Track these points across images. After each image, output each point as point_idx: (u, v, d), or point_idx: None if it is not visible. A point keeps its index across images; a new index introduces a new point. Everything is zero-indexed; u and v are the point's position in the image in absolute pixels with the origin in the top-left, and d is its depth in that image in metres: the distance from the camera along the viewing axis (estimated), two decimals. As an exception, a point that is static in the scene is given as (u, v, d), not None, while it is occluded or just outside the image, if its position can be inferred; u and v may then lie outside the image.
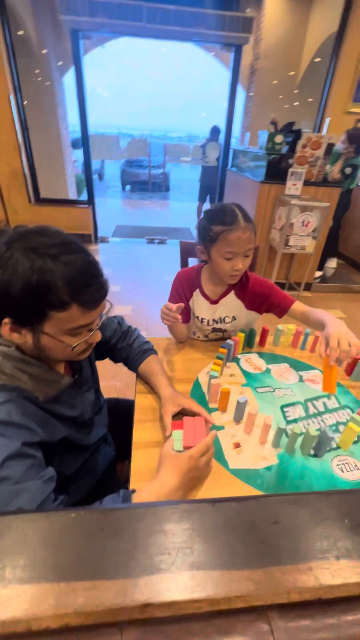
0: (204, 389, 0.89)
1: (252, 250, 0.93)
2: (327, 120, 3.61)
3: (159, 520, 0.36)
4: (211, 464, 0.68)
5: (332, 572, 0.33)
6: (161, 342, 1.07)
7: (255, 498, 0.39)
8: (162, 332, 2.29)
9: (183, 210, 6.88)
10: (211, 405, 0.84)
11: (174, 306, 0.87)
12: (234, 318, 1.07)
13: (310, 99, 5.30)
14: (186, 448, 0.65)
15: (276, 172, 2.76)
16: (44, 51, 3.83)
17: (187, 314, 1.06)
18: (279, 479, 0.67)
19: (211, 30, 3.25)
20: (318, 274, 3.39)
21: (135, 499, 0.57)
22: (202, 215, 0.96)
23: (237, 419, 0.79)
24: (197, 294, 1.05)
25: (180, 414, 0.76)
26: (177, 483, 0.59)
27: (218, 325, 1.08)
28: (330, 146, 2.64)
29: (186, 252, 1.42)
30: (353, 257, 3.99)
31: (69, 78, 3.62)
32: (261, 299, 1.03)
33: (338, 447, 0.75)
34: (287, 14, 4.63)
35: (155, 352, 0.91)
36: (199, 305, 1.06)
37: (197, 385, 0.91)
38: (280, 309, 1.02)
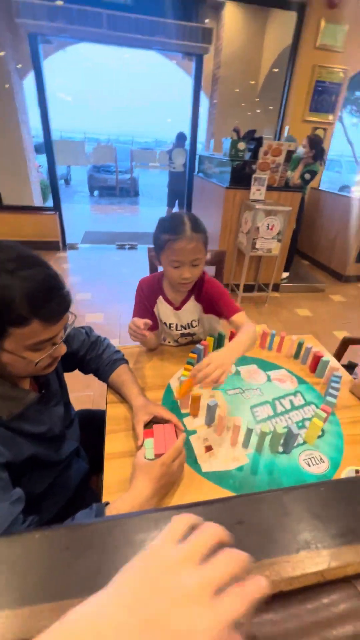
0: (176, 395, 0.90)
1: (202, 260, 0.93)
2: (286, 128, 3.78)
3: (128, 532, 0.36)
4: (183, 467, 0.69)
5: (292, 565, 0.34)
6: (132, 350, 1.07)
7: (220, 501, 0.40)
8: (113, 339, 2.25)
9: (153, 216, 6.81)
10: (183, 411, 0.85)
11: (141, 323, 0.88)
12: (199, 321, 1.09)
13: (270, 107, 5.54)
14: (158, 456, 0.66)
15: (240, 177, 2.85)
16: (2, 53, 3.71)
17: (154, 323, 1.05)
18: (250, 478, 0.69)
19: (171, 39, 3.31)
20: (285, 274, 3.52)
21: (109, 511, 0.57)
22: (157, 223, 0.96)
23: (208, 422, 0.81)
24: (160, 300, 1.06)
25: (153, 422, 0.76)
26: (150, 491, 0.59)
27: (186, 330, 1.10)
28: (290, 153, 2.76)
29: (153, 258, 1.43)
30: (317, 258, 4.19)
31: (30, 82, 3.53)
32: (212, 303, 1.04)
33: (305, 443, 0.78)
34: (245, 26, 4.82)
35: (126, 362, 0.91)
36: (164, 311, 1.07)
37: (168, 391, 0.91)
38: (224, 316, 1.03)
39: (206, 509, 0.39)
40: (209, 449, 0.75)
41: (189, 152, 4.14)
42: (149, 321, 0.89)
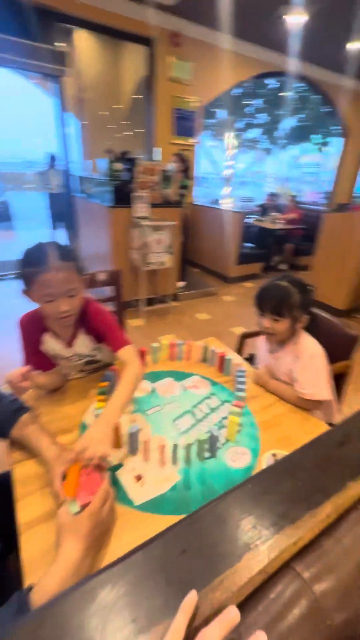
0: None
1: (79, 289, 0.85)
2: (154, 150, 4.05)
3: (63, 618, 0.30)
4: (114, 509, 0.63)
5: (239, 574, 0.35)
6: (30, 394, 0.95)
7: (158, 536, 0.38)
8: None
9: (34, 239, 6.37)
10: (104, 445, 0.79)
11: (17, 374, 0.78)
12: (99, 349, 1.03)
13: (137, 130, 5.87)
14: (84, 506, 0.59)
15: (122, 197, 2.91)
16: None
17: (47, 361, 0.95)
18: (185, 494, 0.68)
19: (25, 59, 3.17)
20: (181, 284, 3.73)
21: (36, 597, 0.47)
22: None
23: (132, 450, 0.77)
24: (48, 338, 0.94)
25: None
26: (82, 551, 0.52)
27: (89, 358, 1.03)
28: (163, 173, 2.96)
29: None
30: (205, 264, 4.59)
31: None
32: (99, 335, 0.97)
33: (228, 441, 0.82)
34: (99, 52, 5.00)
35: (28, 409, 0.79)
36: (56, 347, 0.95)
37: (84, 428, 0.84)
38: (111, 350, 0.95)
39: (147, 552, 0.36)
40: (139, 478, 0.71)
41: (63, 173, 4.01)
42: (28, 367, 0.80)
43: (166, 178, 3.23)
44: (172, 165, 3.45)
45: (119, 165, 2.89)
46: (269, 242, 4.72)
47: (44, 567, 0.53)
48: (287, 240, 4.88)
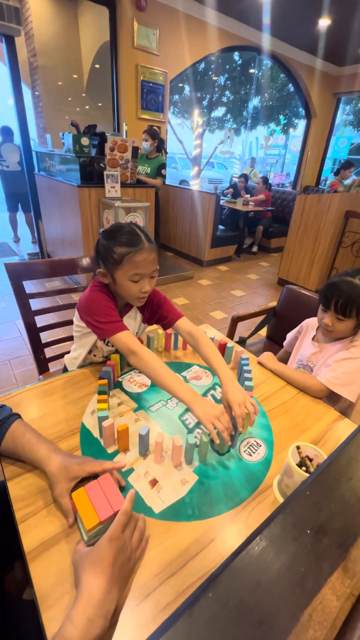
0: (95, 433, 0.75)
1: (157, 271, 0.90)
2: (124, 125, 3.80)
3: None
4: (143, 534, 0.55)
5: (323, 607, 0.30)
6: (14, 399, 0.84)
7: (222, 569, 0.32)
8: (12, 384, 1.88)
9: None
10: (110, 450, 0.71)
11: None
12: (136, 335, 1.02)
13: (99, 104, 5.48)
14: (105, 522, 0.52)
15: (90, 175, 2.70)
16: None
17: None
18: (206, 497, 0.64)
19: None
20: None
21: None
22: (99, 238, 0.88)
23: (143, 452, 0.71)
24: None
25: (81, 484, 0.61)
26: (105, 584, 0.45)
27: None
28: (135, 149, 2.78)
29: (18, 275, 1.17)
30: (178, 248, 4.49)
31: None
32: (154, 310, 1.01)
33: (240, 433, 0.78)
34: (54, 12, 4.52)
35: (18, 416, 0.69)
36: None
37: (84, 432, 0.75)
38: (167, 322, 0.99)
39: (216, 592, 0.30)
40: (154, 483, 0.65)
41: (22, 148, 3.65)
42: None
43: (139, 156, 3.06)
44: (146, 144, 3.29)
45: (85, 140, 2.66)
46: (241, 224, 4.70)
47: (61, 598, 0.47)
48: (258, 222, 4.90)
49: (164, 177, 3.40)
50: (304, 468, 0.62)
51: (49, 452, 0.63)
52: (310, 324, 1.15)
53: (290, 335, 1.25)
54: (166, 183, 4.40)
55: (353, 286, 0.91)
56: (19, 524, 0.57)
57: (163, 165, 3.39)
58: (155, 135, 3.31)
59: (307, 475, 0.58)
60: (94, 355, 1.02)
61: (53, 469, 0.60)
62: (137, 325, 1.02)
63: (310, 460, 0.64)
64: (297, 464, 0.62)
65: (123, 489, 0.63)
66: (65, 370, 1.09)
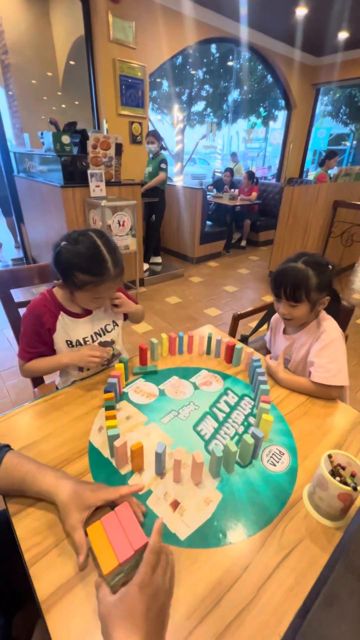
0: (105, 453, 0.69)
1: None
2: (104, 122, 3.68)
3: None
4: (173, 570, 0.47)
5: None
6: (10, 421, 0.76)
7: (293, 635, 0.27)
8: (4, 397, 1.78)
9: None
10: (123, 472, 0.65)
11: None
12: (115, 323, 1.00)
13: (76, 102, 5.32)
14: (125, 563, 0.46)
15: (74, 174, 2.60)
16: None
17: (46, 350, 0.92)
18: (231, 515, 0.58)
19: None
20: (145, 266, 3.54)
21: None
22: (60, 247, 0.79)
23: (160, 472, 0.65)
24: (62, 318, 0.90)
25: (95, 515, 0.54)
26: (141, 637, 0.38)
27: (103, 338, 0.97)
28: (118, 146, 2.69)
29: (4, 283, 1.09)
30: (167, 245, 4.41)
31: None
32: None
33: (262, 441, 0.73)
34: (24, 7, 4.35)
35: (8, 448, 0.61)
36: (72, 328, 0.91)
37: (93, 452, 0.69)
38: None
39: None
40: (175, 505, 0.59)
41: (-1, 149, 3.49)
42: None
43: (150, 159, 3.12)
44: (151, 147, 3.35)
45: (66, 138, 2.55)
46: (228, 219, 4.66)
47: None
48: (245, 216, 4.87)
49: (165, 170, 3.41)
50: (337, 478, 0.57)
51: (56, 479, 0.55)
52: (278, 319, 1.12)
53: (267, 337, 1.23)
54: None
55: (297, 270, 0.90)
56: (29, 567, 0.50)
57: (163, 160, 3.41)
58: (159, 137, 3.39)
59: (345, 487, 0.53)
60: (87, 370, 0.95)
61: (64, 498, 0.53)
62: (109, 314, 0.99)
63: (343, 468, 0.59)
64: (329, 473, 0.57)
65: (145, 515, 0.57)
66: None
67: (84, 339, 0.93)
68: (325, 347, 0.90)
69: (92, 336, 0.94)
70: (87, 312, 0.93)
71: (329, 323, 0.95)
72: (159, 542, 0.45)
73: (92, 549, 0.48)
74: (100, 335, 0.96)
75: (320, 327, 0.95)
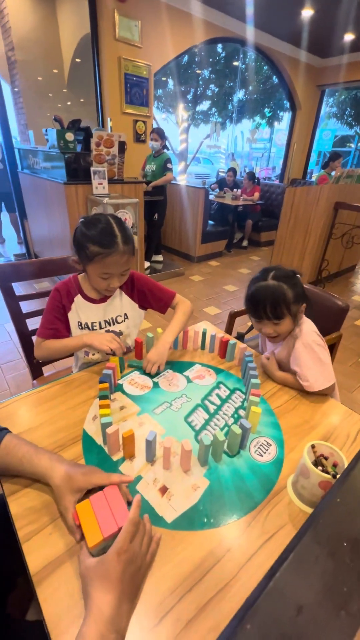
0: (98, 440, 0.71)
1: (130, 269, 0.93)
2: (108, 120, 3.71)
3: None
4: (152, 539, 0.52)
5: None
6: (9, 408, 0.79)
7: (258, 595, 0.29)
8: (4, 390, 1.81)
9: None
10: (115, 458, 0.68)
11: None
12: (126, 316, 1.03)
13: (81, 99, 5.35)
14: (110, 538, 0.49)
15: (77, 171, 2.63)
16: None
17: (65, 329, 0.97)
18: (218, 502, 0.61)
19: None
20: (146, 264, 3.57)
21: None
22: (78, 225, 0.88)
23: (150, 459, 0.67)
24: (78, 299, 0.96)
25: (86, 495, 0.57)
26: (115, 599, 0.43)
27: (111, 328, 1.00)
28: (122, 144, 2.71)
29: (5, 277, 1.12)
30: (167, 244, 4.44)
31: None
32: (145, 295, 1.04)
33: (249, 432, 0.76)
34: (32, 3, 4.38)
35: (8, 430, 0.64)
36: (84, 310, 0.97)
37: (87, 440, 0.72)
38: (163, 305, 1.06)
39: (256, 621, 0.27)
40: (164, 490, 0.62)
41: (4, 145, 3.53)
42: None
43: (151, 157, 3.12)
44: (154, 144, 3.36)
45: (70, 135, 2.58)
46: (230, 219, 4.68)
47: (72, 625, 0.43)
48: (247, 216, 4.88)
49: (170, 170, 3.43)
50: (320, 467, 0.59)
51: (51, 461, 0.58)
52: None
53: (259, 340, 1.25)
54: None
55: (272, 288, 0.90)
56: (22, 543, 0.53)
57: (168, 160, 3.43)
58: (163, 135, 3.38)
59: (325, 475, 0.56)
60: (93, 355, 0.98)
61: (57, 481, 0.56)
62: (128, 308, 1.03)
63: (326, 458, 0.62)
64: (312, 463, 0.60)
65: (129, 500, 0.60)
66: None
67: (92, 323, 0.97)
68: (299, 356, 0.91)
69: (100, 323, 0.98)
70: (102, 300, 0.98)
71: (304, 327, 0.95)
72: (138, 514, 0.49)
73: (79, 525, 0.51)
74: (110, 325, 1.00)
75: (295, 331, 0.95)
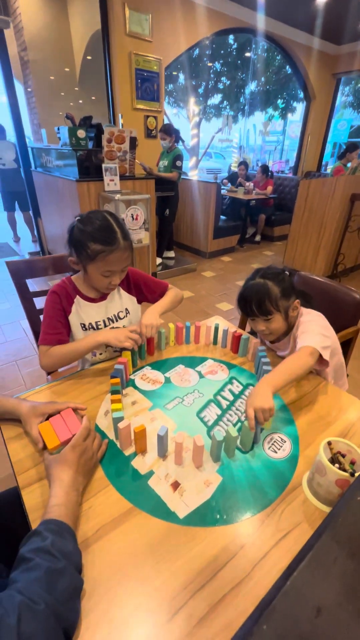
0: (110, 435, 0.71)
1: (128, 265, 0.93)
2: (120, 117, 3.70)
3: None
4: (101, 443, 0.67)
5: None
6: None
7: (275, 594, 0.28)
8: (19, 385, 1.84)
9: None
10: (127, 453, 0.68)
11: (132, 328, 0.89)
12: (127, 311, 1.03)
13: (93, 97, 5.36)
14: (64, 444, 0.62)
15: (88, 168, 2.64)
16: None
17: (66, 331, 0.95)
18: (231, 499, 0.60)
19: None
20: (158, 260, 3.56)
21: (54, 514, 0.50)
22: (74, 224, 0.87)
23: (162, 454, 0.67)
24: (78, 300, 0.95)
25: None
26: (72, 472, 0.57)
27: (115, 324, 1.00)
28: (133, 140, 2.70)
29: (19, 273, 1.13)
30: (179, 240, 4.42)
31: None
32: (140, 289, 1.05)
33: (262, 429, 0.74)
34: (43, 2, 4.40)
35: None
36: (85, 311, 0.95)
37: (99, 434, 0.72)
38: (157, 295, 1.06)
39: (272, 620, 0.26)
40: (176, 486, 0.61)
41: (17, 145, 3.58)
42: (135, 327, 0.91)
43: (163, 154, 3.11)
44: (165, 143, 3.30)
45: (82, 132, 2.59)
46: (242, 213, 4.61)
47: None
48: (260, 210, 4.80)
49: (179, 168, 3.32)
50: (336, 465, 0.57)
51: (18, 401, 0.72)
52: None
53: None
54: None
55: (257, 285, 0.93)
56: (21, 490, 0.55)
57: (178, 157, 3.31)
58: (170, 131, 3.26)
59: (342, 473, 0.54)
60: (100, 354, 0.98)
61: (24, 410, 0.69)
62: (129, 303, 1.03)
63: (343, 456, 0.60)
64: (328, 460, 0.58)
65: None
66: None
67: (96, 322, 0.96)
68: (301, 326, 0.92)
69: (104, 321, 0.98)
70: (102, 298, 0.97)
71: (305, 317, 0.95)
72: (89, 424, 0.66)
73: (42, 437, 0.64)
74: (113, 322, 0.99)
75: (293, 330, 0.97)
